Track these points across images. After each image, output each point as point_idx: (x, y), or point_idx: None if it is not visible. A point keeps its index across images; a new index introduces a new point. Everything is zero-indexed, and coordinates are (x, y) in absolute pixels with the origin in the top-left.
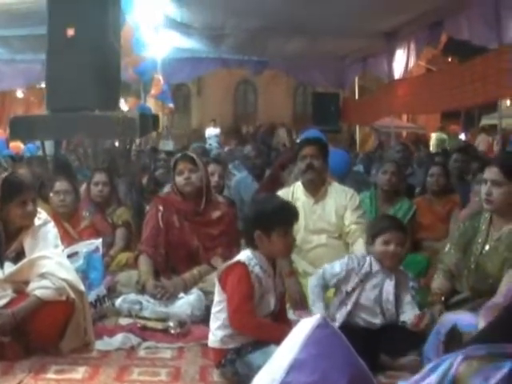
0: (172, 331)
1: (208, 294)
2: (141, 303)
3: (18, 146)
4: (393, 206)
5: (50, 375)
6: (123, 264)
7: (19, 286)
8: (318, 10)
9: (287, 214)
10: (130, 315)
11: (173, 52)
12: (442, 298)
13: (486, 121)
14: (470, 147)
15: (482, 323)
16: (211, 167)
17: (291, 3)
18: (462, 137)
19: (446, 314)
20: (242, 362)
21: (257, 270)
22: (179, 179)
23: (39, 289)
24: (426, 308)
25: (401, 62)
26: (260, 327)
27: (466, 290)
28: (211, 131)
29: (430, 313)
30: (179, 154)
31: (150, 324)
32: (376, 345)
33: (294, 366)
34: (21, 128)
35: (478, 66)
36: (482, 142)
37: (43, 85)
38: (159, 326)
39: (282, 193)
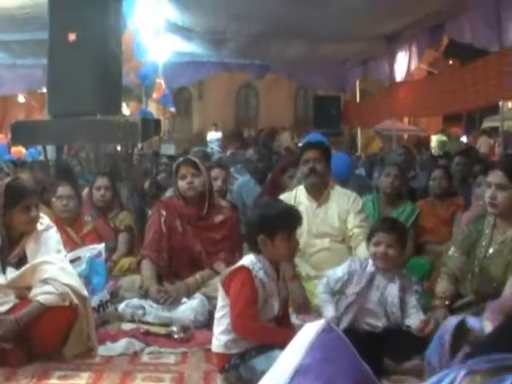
0: (175, 336)
1: (211, 299)
2: (144, 308)
3: (19, 150)
4: (395, 210)
5: (53, 381)
6: (126, 269)
7: (22, 291)
8: (318, 14)
9: (291, 218)
10: (133, 320)
11: (174, 56)
12: (446, 302)
13: (487, 123)
14: (472, 150)
15: (488, 326)
16: (215, 172)
17: (292, 8)
18: (464, 139)
19: (449, 319)
20: (246, 366)
21: (260, 274)
22: (182, 183)
23: (42, 294)
24: (430, 312)
25: (402, 64)
26: (263, 331)
27: (469, 293)
28: (213, 135)
29: (434, 318)
30: (181, 159)
31: (153, 329)
32: (380, 349)
33: (299, 371)
34: (22, 133)
35: (479, 68)
36: (483, 145)
37: (44, 90)
38: (162, 331)
39: (285, 197)
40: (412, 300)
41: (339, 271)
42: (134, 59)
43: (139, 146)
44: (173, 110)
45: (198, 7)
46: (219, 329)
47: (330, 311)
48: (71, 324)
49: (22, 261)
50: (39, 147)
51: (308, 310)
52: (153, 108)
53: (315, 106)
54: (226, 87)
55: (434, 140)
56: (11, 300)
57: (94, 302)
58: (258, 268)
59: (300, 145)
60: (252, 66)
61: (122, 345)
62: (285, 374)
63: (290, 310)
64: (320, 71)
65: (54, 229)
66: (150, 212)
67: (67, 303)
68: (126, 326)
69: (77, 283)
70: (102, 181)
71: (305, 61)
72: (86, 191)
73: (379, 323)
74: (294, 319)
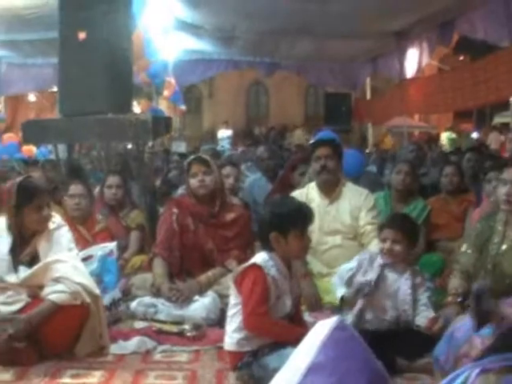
0: (187, 334)
1: (223, 297)
2: (156, 306)
3: (30, 149)
4: (407, 206)
5: (66, 380)
6: (138, 267)
7: (34, 290)
8: (327, 12)
9: (303, 215)
10: (145, 318)
11: (184, 54)
12: (459, 299)
13: (498, 119)
14: (483, 146)
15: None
16: (226, 169)
17: (301, 5)
18: (475, 136)
19: (459, 317)
20: (259, 364)
21: (273, 272)
22: (193, 182)
23: (54, 293)
24: (442, 309)
25: (412, 61)
26: (275, 329)
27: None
28: (223, 133)
29: (443, 316)
30: (192, 157)
31: (166, 327)
32: (392, 347)
33: (312, 369)
34: (33, 132)
35: (489, 64)
36: (493, 141)
37: (55, 89)
38: (174, 329)
39: (296, 194)
40: (423, 298)
41: (351, 264)
42: (143, 58)
43: (150, 144)
44: (183, 107)
45: (207, 5)
46: (232, 327)
47: (340, 292)
48: (83, 323)
49: (34, 259)
50: (50, 146)
51: (320, 307)
52: (163, 106)
53: (326, 103)
54: (236, 85)
55: (444, 137)
56: (23, 299)
57: (106, 300)
58: (270, 266)
59: (311, 142)
60: (262, 63)
61: (134, 343)
62: (297, 372)
63: (303, 307)
64: (330, 69)
65: (66, 227)
66: (161, 210)
67: (79, 302)
68: (138, 325)
69: (89, 282)
70: (113, 179)
71: (314, 58)
72: (97, 190)
73: (387, 317)
74: (307, 317)
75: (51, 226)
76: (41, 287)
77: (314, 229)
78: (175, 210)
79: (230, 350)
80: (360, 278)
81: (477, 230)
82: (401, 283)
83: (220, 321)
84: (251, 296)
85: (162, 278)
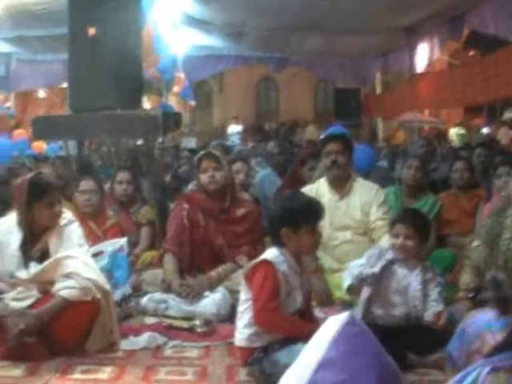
0: (198, 330)
1: (233, 293)
2: (166, 302)
3: (40, 145)
4: (417, 202)
5: (76, 375)
6: (148, 263)
7: (44, 286)
8: (337, 8)
9: (314, 210)
10: (155, 314)
11: (193, 50)
12: (470, 295)
13: (508, 114)
14: (493, 141)
15: None
16: (237, 165)
17: (311, 1)
18: (485, 131)
19: (471, 313)
20: (269, 360)
21: (284, 267)
22: (203, 177)
23: (65, 289)
24: (454, 304)
25: (422, 56)
26: (285, 324)
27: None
28: (233, 128)
29: (447, 310)
30: (203, 152)
31: (176, 323)
32: (403, 343)
33: (323, 365)
34: (43, 128)
35: (500, 59)
36: (504, 136)
37: (65, 85)
38: (185, 324)
39: (307, 190)
40: (433, 293)
41: (360, 260)
42: (153, 53)
43: (160, 139)
44: (193, 103)
45: (217, 1)
46: (242, 322)
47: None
48: (94, 318)
49: (44, 255)
50: (60, 142)
51: (331, 302)
52: (173, 102)
53: (335, 99)
54: (246, 80)
55: (453, 133)
56: (34, 295)
57: (117, 296)
58: (280, 261)
59: (321, 137)
60: (271, 59)
61: (144, 339)
62: (308, 368)
63: (313, 303)
64: (339, 64)
65: (77, 223)
66: (171, 206)
67: (90, 298)
68: (149, 320)
69: (99, 277)
70: (123, 175)
71: (324, 54)
72: (107, 186)
73: (397, 312)
74: (317, 312)
75: (62, 221)
76: (51, 283)
77: (325, 224)
78: (186, 206)
79: (240, 346)
80: (366, 270)
81: (487, 226)
82: (411, 279)
83: (230, 316)
84: (262, 292)
85: (172, 273)
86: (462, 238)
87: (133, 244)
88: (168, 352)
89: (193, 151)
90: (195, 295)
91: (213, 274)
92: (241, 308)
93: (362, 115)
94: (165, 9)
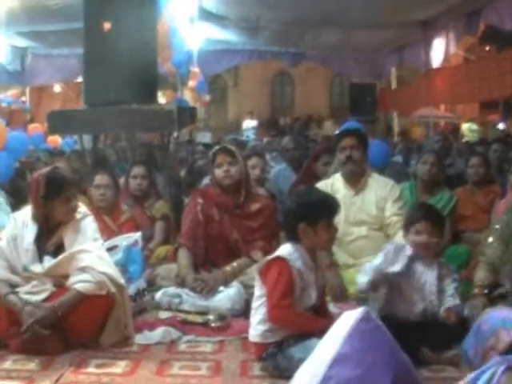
0: (212, 325)
1: (248, 288)
2: (180, 297)
3: (55, 140)
4: (433, 197)
5: (91, 369)
6: (162, 257)
7: (59, 280)
8: (351, 2)
9: (330, 205)
10: (169, 309)
11: (208, 44)
12: (485, 291)
13: None
14: (509, 137)
15: None
16: (253, 160)
17: None
18: (501, 126)
19: (486, 310)
20: (283, 355)
21: (298, 264)
22: (218, 172)
23: (80, 283)
24: (469, 301)
25: (438, 51)
26: (299, 321)
27: (509, 282)
28: (248, 123)
29: (460, 306)
30: (218, 147)
31: (190, 317)
32: (418, 338)
33: (337, 360)
34: (59, 122)
35: None
36: None
37: (80, 79)
38: (199, 319)
39: (322, 185)
40: (450, 288)
41: (375, 261)
42: (169, 48)
43: (175, 134)
44: (207, 97)
45: None
46: (256, 318)
47: (364, 278)
48: (108, 312)
49: (59, 249)
50: (75, 136)
51: (345, 298)
52: (188, 96)
53: (351, 94)
54: (261, 75)
55: (465, 128)
56: (48, 288)
57: (131, 290)
58: (295, 258)
59: (336, 132)
60: (287, 53)
61: (158, 333)
62: (323, 363)
63: (328, 298)
64: (355, 59)
65: (91, 217)
66: (186, 200)
67: (104, 292)
68: (163, 315)
69: (114, 272)
70: (138, 170)
71: (339, 48)
72: (122, 180)
73: (415, 308)
74: (332, 308)
75: (77, 215)
76: (65, 277)
77: (340, 220)
78: (200, 201)
79: (254, 342)
80: (387, 267)
81: (502, 222)
82: (428, 275)
83: (245, 311)
84: (276, 288)
85: (186, 268)
86: (477, 234)
87: (147, 238)
88: (182, 347)
89: (207, 146)
90: (209, 290)
91: (227, 268)
92: (255, 304)
93: (378, 110)
94: (181, 3)
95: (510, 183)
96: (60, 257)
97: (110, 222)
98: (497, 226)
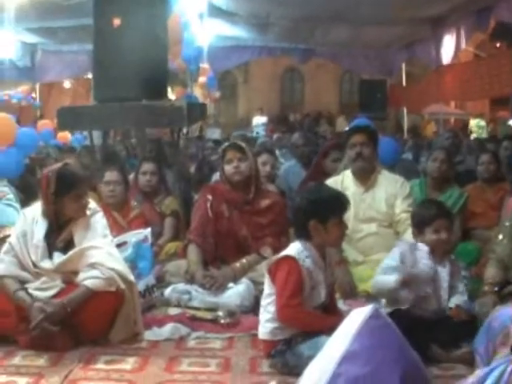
0: (221, 321)
1: (257, 284)
2: (190, 293)
3: (65, 136)
4: (443, 194)
5: (100, 366)
6: (172, 254)
7: (68, 276)
8: None
9: (341, 202)
10: (178, 305)
11: (218, 40)
12: (495, 288)
13: None
14: None
15: None
16: (263, 157)
17: None
18: (511, 123)
19: (497, 308)
20: (292, 352)
21: (307, 263)
22: (228, 168)
23: (89, 279)
24: (479, 298)
25: (448, 48)
26: (309, 320)
27: None
28: (258, 119)
29: (467, 303)
30: (228, 143)
31: (200, 314)
32: (428, 336)
33: (346, 357)
34: (68, 118)
35: None
36: None
37: (90, 75)
38: (208, 316)
39: (331, 182)
40: (460, 285)
41: (390, 260)
42: (179, 44)
43: (184, 130)
44: (217, 94)
45: None
46: (265, 316)
47: (392, 277)
48: (118, 309)
49: (68, 245)
50: (85, 133)
51: (355, 295)
52: (198, 93)
53: (361, 90)
54: (271, 71)
55: (473, 125)
56: (57, 285)
57: (140, 286)
58: (304, 256)
59: (346, 129)
60: (296, 50)
61: (168, 330)
62: (332, 360)
63: (337, 295)
64: (365, 55)
65: (101, 213)
66: (196, 197)
67: (114, 288)
68: (172, 311)
69: (123, 268)
70: (147, 166)
71: (349, 45)
72: (131, 176)
73: (429, 305)
74: (341, 304)
75: (87, 212)
76: (75, 273)
77: (349, 217)
78: (209, 197)
79: (263, 339)
80: (413, 270)
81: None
82: (440, 271)
83: (254, 308)
84: (285, 287)
85: (196, 264)
86: (488, 231)
87: (156, 235)
88: (191, 343)
89: (217, 142)
90: (219, 286)
91: (237, 265)
92: (264, 302)
93: (388, 107)
94: (190, 0)
95: None
96: (70, 253)
97: (120, 218)
98: (507, 224)
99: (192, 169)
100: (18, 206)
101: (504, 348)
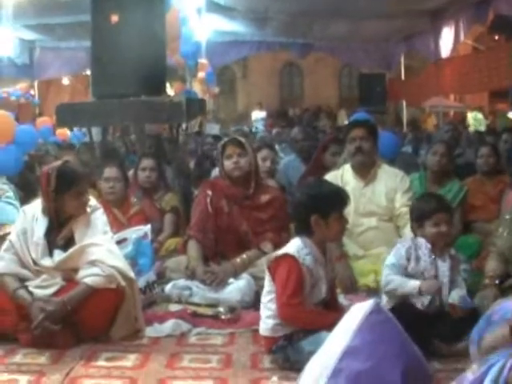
0: (222, 317)
1: (258, 279)
2: (190, 289)
3: (64, 132)
4: (443, 188)
5: (101, 363)
6: (172, 250)
7: (68, 273)
8: None
9: (341, 196)
10: (179, 301)
11: (216, 35)
12: (496, 281)
13: None
14: None
15: None
16: (264, 152)
17: None
18: (511, 116)
19: (498, 302)
20: (294, 348)
21: (308, 261)
22: (228, 163)
23: (89, 276)
24: (480, 291)
25: (447, 40)
26: (310, 318)
27: None
28: (257, 114)
29: (465, 297)
30: (227, 139)
31: (200, 310)
32: (430, 330)
33: (348, 353)
34: (67, 115)
35: None
36: None
37: (89, 72)
38: (209, 311)
39: (331, 176)
40: (459, 279)
41: (395, 258)
42: (178, 38)
43: (184, 126)
44: (216, 89)
45: None
46: (266, 313)
47: (413, 283)
48: (118, 306)
49: (68, 243)
50: (84, 129)
51: (355, 289)
52: (197, 88)
53: (360, 84)
54: (270, 66)
55: (470, 118)
56: (58, 282)
57: (141, 283)
58: (304, 254)
59: (346, 123)
60: (295, 44)
61: (169, 326)
62: (333, 356)
63: (338, 290)
64: (364, 49)
65: (101, 210)
66: (195, 192)
67: (114, 285)
68: (173, 307)
69: (123, 265)
70: (147, 162)
71: (348, 39)
72: (131, 172)
73: (433, 301)
74: (342, 299)
75: (88, 209)
76: (75, 271)
77: (350, 211)
78: (209, 192)
79: (264, 335)
80: (416, 268)
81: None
82: (441, 265)
83: (255, 303)
84: (286, 286)
85: (196, 260)
86: (488, 224)
87: (157, 231)
88: (192, 339)
89: (216, 137)
90: (219, 282)
91: (237, 260)
92: (264, 299)
93: (387, 101)
94: None
95: None
96: (70, 250)
97: (120, 214)
98: (507, 217)
99: (191, 164)
100: (17, 203)
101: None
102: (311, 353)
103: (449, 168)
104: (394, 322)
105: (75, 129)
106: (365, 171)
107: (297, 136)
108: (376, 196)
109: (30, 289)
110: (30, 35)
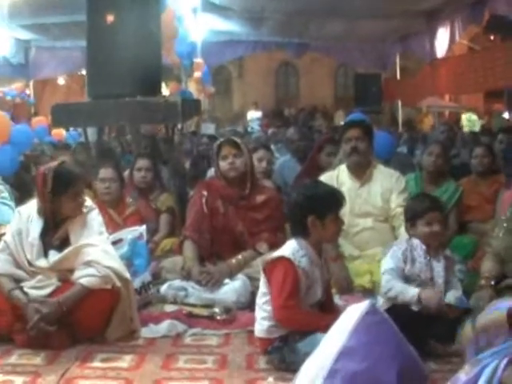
0: (218, 318)
1: (253, 280)
2: (186, 289)
3: (60, 132)
4: (438, 188)
5: (96, 364)
6: (168, 250)
7: (64, 274)
8: None
9: (337, 198)
10: (175, 302)
11: (212, 35)
12: (492, 282)
13: None
14: None
15: None
16: (260, 153)
17: None
18: (506, 116)
19: (493, 302)
20: (289, 349)
21: (303, 263)
22: (223, 164)
23: (85, 277)
24: (476, 292)
25: (443, 41)
26: (306, 320)
27: None
28: (253, 114)
29: (460, 298)
30: (222, 139)
31: (196, 311)
32: (426, 331)
33: (344, 353)
34: (63, 115)
35: None
36: None
37: (84, 71)
38: (205, 312)
39: (326, 176)
40: (454, 280)
41: (393, 262)
42: (174, 38)
43: (179, 126)
44: (211, 89)
45: None
46: (261, 314)
47: (413, 291)
48: (114, 306)
49: (64, 243)
50: (80, 129)
51: (351, 290)
52: (192, 88)
53: (355, 84)
54: (266, 66)
55: (464, 119)
56: (53, 283)
57: (136, 283)
58: (300, 255)
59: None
60: (291, 44)
61: (164, 327)
62: (329, 356)
63: (333, 290)
64: (360, 49)
65: (97, 211)
66: (191, 192)
67: (110, 286)
68: (169, 308)
69: (119, 266)
70: (142, 162)
71: (344, 38)
72: (126, 173)
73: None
74: (337, 300)
75: (83, 210)
76: (71, 271)
77: (345, 211)
78: (205, 193)
79: (259, 337)
80: (413, 270)
81: (508, 215)
82: (436, 266)
83: (250, 304)
84: (282, 289)
85: (192, 261)
86: (483, 224)
87: (152, 231)
88: (188, 340)
89: (212, 137)
90: (215, 283)
91: (233, 261)
92: (260, 301)
93: (383, 101)
94: None
95: None
96: (65, 251)
97: (115, 215)
98: (503, 217)
99: (187, 165)
100: (12, 204)
101: (498, 339)
102: (307, 354)
103: (444, 168)
104: (390, 322)
105: (71, 129)
106: (360, 172)
107: (292, 136)
108: (371, 196)
109: (26, 289)
110: (25, 35)
